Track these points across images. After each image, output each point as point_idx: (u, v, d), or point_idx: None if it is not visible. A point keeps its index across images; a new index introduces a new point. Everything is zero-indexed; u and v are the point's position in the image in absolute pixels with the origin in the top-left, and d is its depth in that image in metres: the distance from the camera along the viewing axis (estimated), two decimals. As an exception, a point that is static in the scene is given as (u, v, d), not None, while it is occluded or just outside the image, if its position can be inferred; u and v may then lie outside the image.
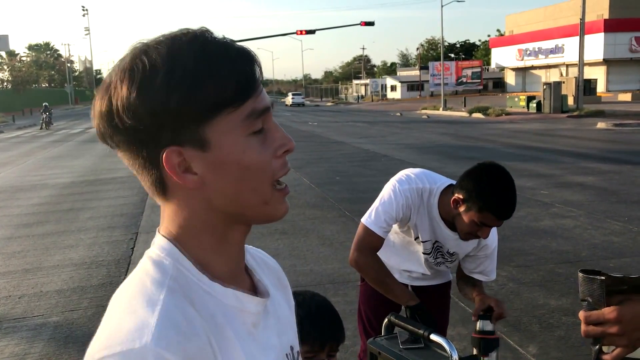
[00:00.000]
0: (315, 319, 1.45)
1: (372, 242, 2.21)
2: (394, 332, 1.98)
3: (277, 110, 49.52)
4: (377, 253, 2.24)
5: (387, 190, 2.23)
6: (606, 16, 47.95)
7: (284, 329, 0.88)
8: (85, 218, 8.48)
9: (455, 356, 1.65)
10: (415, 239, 2.32)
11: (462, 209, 2.05)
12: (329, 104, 67.52)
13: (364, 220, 2.23)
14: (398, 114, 36.50)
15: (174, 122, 0.70)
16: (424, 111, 37.03)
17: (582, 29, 28.39)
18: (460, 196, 2.04)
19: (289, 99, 63.50)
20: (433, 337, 1.72)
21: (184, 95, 0.69)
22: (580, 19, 28.26)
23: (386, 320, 1.96)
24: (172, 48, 0.71)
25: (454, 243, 2.26)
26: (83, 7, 67.91)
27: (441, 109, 36.58)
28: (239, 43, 0.75)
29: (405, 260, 2.41)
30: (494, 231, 2.28)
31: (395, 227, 2.30)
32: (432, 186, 2.20)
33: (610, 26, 46.59)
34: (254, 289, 0.84)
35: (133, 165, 0.75)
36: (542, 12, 57.40)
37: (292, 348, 0.89)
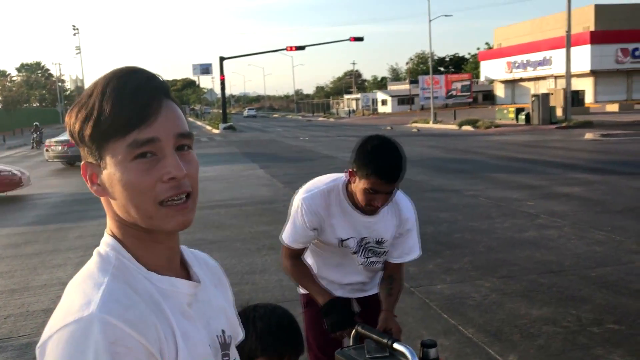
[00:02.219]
0: (274, 331, 1.51)
1: (292, 251, 2.38)
2: (362, 342, 2.03)
3: (269, 125, 49.56)
4: (325, 265, 2.42)
5: (294, 204, 2.33)
6: (592, 28, 48.56)
7: (216, 314, 1.02)
8: (74, 237, 8.48)
9: (416, 363, 1.71)
10: (339, 245, 2.36)
11: (355, 181, 2.15)
12: (321, 118, 67.75)
13: (281, 236, 2.37)
14: (388, 127, 36.67)
15: (86, 142, 0.90)
16: (414, 125, 37.24)
17: (569, 41, 28.74)
18: (351, 169, 2.15)
19: (245, 112, 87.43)
20: (396, 345, 1.77)
21: (89, 124, 0.89)
22: (567, 32, 28.62)
23: (354, 331, 2.01)
24: (95, 83, 0.91)
25: (375, 227, 2.32)
26: (74, 26, 68.02)
27: (431, 122, 36.79)
28: (159, 78, 0.93)
29: (344, 273, 2.46)
30: (408, 204, 2.38)
31: (320, 241, 2.38)
32: (336, 182, 2.30)
33: (597, 38, 47.18)
34: (189, 279, 1.00)
35: None
36: (530, 25, 58.05)
37: (223, 332, 1.03)
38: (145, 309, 0.86)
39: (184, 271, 1.01)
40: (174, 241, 0.97)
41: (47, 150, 20.12)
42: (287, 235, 2.35)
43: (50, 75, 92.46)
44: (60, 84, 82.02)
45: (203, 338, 0.95)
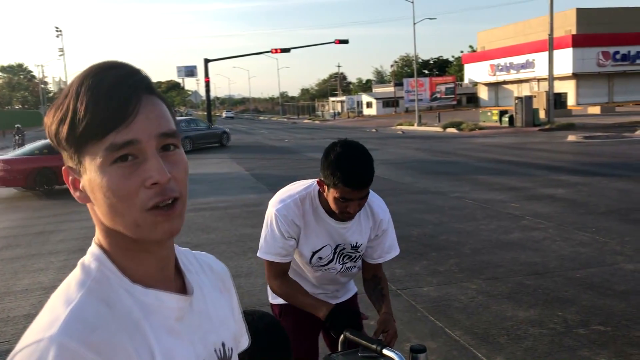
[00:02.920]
0: (262, 339, 1.48)
1: (276, 268, 2.24)
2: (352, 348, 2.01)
3: (255, 127, 49.35)
4: (298, 275, 2.31)
5: (268, 216, 2.23)
6: (574, 32, 49.13)
7: (216, 326, 0.95)
8: (57, 241, 8.37)
9: (406, 368, 1.68)
10: (310, 259, 2.29)
11: (325, 190, 2.09)
12: (306, 121, 67.74)
13: (259, 254, 2.25)
14: (373, 130, 36.77)
15: (65, 146, 0.83)
16: (399, 127, 37.36)
17: (551, 45, 29.03)
18: (319, 179, 2.11)
19: (224, 114, 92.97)
20: (385, 351, 1.75)
21: (65, 127, 0.81)
22: (549, 35, 28.91)
23: (342, 336, 1.99)
24: (72, 82, 0.83)
25: (350, 233, 2.26)
26: (57, 27, 67.28)
27: (416, 124, 36.94)
28: (140, 73, 0.85)
29: (319, 283, 2.40)
30: (381, 204, 2.33)
31: (296, 255, 2.31)
32: (308, 190, 2.23)
33: (578, 41, 47.73)
34: (184, 291, 0.92)
35: None
36: (513, 28, 58.57)
37: (223, 344, 0.95)
38: (116, 330, 0.79)
39: (179, 280, 0.93)
40: (167, 249, 0.89)
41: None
42: (267, 250, 2.21)
43: (33, 77, 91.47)
44: (43, 85, 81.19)
45: (190, 355, 0.87)
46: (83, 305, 0.79)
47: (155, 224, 0.82)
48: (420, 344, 1.88)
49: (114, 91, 0.80)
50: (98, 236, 0.88)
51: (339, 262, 2.32)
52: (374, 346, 1.79)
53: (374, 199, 2.32)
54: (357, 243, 2.30)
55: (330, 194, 2.07)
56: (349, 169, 1.99)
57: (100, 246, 0.87)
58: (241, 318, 1.09)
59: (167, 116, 0.85)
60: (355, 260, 2.36)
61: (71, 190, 0.86)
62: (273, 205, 2.23)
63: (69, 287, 0.83)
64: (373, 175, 2.05)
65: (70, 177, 0.86)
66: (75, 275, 0.85)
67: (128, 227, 0.82)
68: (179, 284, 0.92)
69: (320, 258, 2.29)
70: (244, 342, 1.11)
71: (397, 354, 1.72)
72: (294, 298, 2.25)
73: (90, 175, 0.82)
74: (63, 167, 0.87)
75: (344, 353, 1.91)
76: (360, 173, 2.00)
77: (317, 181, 2.14)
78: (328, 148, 2.08)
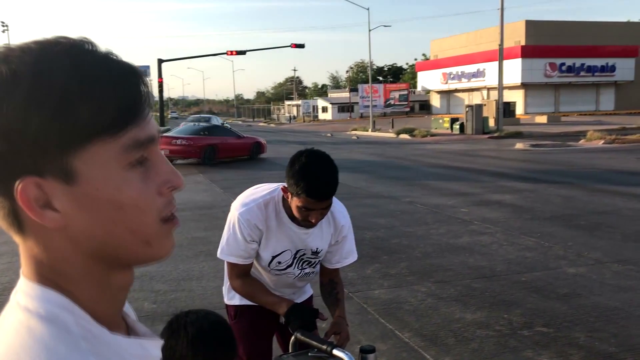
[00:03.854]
0: (206, 336, 1.49)
1: (238, 269, 2.27)
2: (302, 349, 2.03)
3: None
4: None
5: (231, 219, 2.25)
6: (523, 43, 50.69)
7: None
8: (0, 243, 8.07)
9: (355, 368, 1.71)
10: (269, 263, 2.30)
11: (289, 198, 2.12)
12: (262, 124, 67.50)
13: (220, 255, 2.26)
14: (329, 134, 36.96)
15: (34, 147, 0.57)
16: (353, 132, 37.68)
17: (501, 55, 29.89)
18: (284, 187, 2.13)
19: (169, 115, 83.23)
20: (335, 352, 1.77)
21: (48, 118, 0.56)
22: (499, 45, 29.75)
23: (293, 337, 2.00)
24: (41, 58, 0.58)
25: (311, 239, 2.28)
26: (3, 22, 64.94)
27: (370, 130, 37.33)
28: (133, 64, 0.64)
29: (276, 286, 2.41)
30: (342, 210, 2.37)
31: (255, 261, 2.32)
32: (272, 195, 2.24)
33: (527, 52, 49.27)
34: (131, 332, 0.72)
35: None
36: (465, 37, 59.97)
37: None
38: None
39: (122, 321, 0.72)
40: (131, 284, 0.70)
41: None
42: (229, 252, 2.23)
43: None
44: (-14, 82, 78.28)
45: None
46: None
47: (166, 239, 0.66)
48: (370, 344, 1.91)
49: (129, 74, 0.62)
50: (45, 272, 0.62)
51: (297, 267, 2.34)
52: (324, 347, 1.82)
53: (336, 205, 2.34)
54: (317, 249, 2.32)
55: (294, 202, 2.08)
56: (312, 179, 2.00)
57: (52, 286, 0.62)
58: None
59: None
60: (314, 265, 2.39)
61: (32, 213, 0.59)
62: (236, 208, 2.23)
63: (59, 357, 0.56)
64: (337, 186, 2.07)
65: (36, 195, 0.58)
66: (49, 336, 0.57)
67: (136, 246, 0.64)
68: (125, 327, 0.71)
69: (280, 262, 2.30)
70: None
71: (346, 354, 1.75)
72: (255, 297, 2.27)
73: (91, 185, 0.59)
74: (21, 182, 0.58)
75: (295, 354, 1.93)
76: (324, 184, 2.02)
77: (282, 188, 2.16)
78: (294, 157, 2.09)
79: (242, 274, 2.28)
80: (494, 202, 10.26)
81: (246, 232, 2.19)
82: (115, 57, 0.63)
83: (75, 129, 0.58)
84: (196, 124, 23.86)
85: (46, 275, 0.62)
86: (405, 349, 4.23)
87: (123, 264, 0.65)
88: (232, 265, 2.27)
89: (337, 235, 2.36)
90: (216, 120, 31.90)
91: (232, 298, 2.44)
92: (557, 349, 4.16)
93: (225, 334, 1.55)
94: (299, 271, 2.36)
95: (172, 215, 0.66)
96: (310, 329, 2.09)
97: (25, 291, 0.61)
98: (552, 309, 4.96)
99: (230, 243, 2.22)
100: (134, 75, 0.62)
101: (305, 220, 2.12)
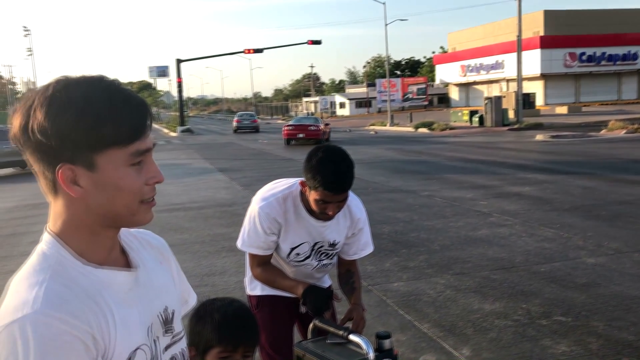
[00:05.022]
0: (230, 322, 1.59)
1: (258, 259, 2.38)
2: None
3: (228, 128, 48.61)
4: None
5: (251, 212, 2.35)
6: (542, 33, 50.09)
7: (158, 293, 1.10)
8: (28, 242, 8.29)
9: (371, 354, 1.79)
10: (288, 255, 2.39)
11: (307, 191, 2.22)
12: (280, 121, 67.70)
13: (241, 246, 2.38)
14: (347, 130, 36.97)
15: (74, 146, 0.94)
16: (371, 127, 37.65)
17: (520, 46, 29.63)
18: (302, 181, 2.24)
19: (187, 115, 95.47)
20: (351, 337, 1.86)
21: (87, 130, 0.93)
22: (518, 36, 29.49)
23: (311, 324, 2.09)
24: (88, 90, 0.94)
25: (329, 231, 2.38)
26: (25, 27, 66.05)
27: (388, 124, 37.27)
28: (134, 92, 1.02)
29: (295, 276, 2.46)
30: (358, 204, 2.46)
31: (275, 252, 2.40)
32: (291, 189, 2.34)
33: (546, 43, 48.67)
34: (128, 266, 1.08)
35: (35, 167, 0.97)
36: (482, 29, 59.44)
37: (166, 308, 1.11)
38: (79, 304, 0.92)
39: (124, 257, 1.09)
40: (117, 235, 1.06)
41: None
42: (249, 244, 2.34)
43: (1, 77, 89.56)
44: (11, 86, 79.55)
45: (140, 321, 1.02)
46: (52, 284, 0.92)
47: (147, 212, 1.03)
48: (386, 330, 1.99)
49: (140, 106, 0.98)
50: (57, 226, 1.00)
51: (315, 259, 2.43)
52: (341, 332, 1.90)
53: (352, 199, 2.42)
54: (334, 241, 2.41)
55: (311, 196, 2.18)
56: (329, 173, 2.10)
57: (57, 233, 0.99)
58: (184, 281, 1.28)
59: None
60: (331, 257, 2.48)
61: (65, 187, 0.95)
62: (256, 202, 2.34)
63: (30, 273, 0.95)
64: (353, 180, 2.16)
65: (69, 176, 0.95)
66: (33, 262, 0.97)
67: (126, 216, 1.00)
68: (124, 261, 1.08)
69: (298, 254, 2.40)
70: (192, 299, 1.32)
71: (362, 338, 1.83)
72: (275, 282, 2.37)
73: (105, 174, 0.96)
74: (60, 167, 0.94)
75: (313, 340, 2.02)
76: (340, 178, 2.11)
77: (300, 182, 2.26)
78: (311, 152, 2.19)
79: (262, 263, 2.39)
80: (513, 194, 10.24)
81: (266, 225, 2.29)
82: (133, 93, 0.99)
83: (101, 139, 0.94)
84: (308, 115, 36.23)
85: (59, 227, 1.00)
86: (424, 339, 4.31)
87: (117, 225, 1.03)
88: (252, 256, 2.39)
89: (353, 228, 2.45)
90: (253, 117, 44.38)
91: (254, 289, 2.54)
92: (575, 338, 4.19)
93: (248, 320, 1.65)
94: (317, 262, 2.45)
95: (151, 199, 1.02)
96: (326, 309, 2.18)
97: (42, 237, 1.01)
98: (571, 298, 4.99)
99: (251, 235, 2.33)
100: (144, 106, 0.99)
101: (323, 213, 2.20)
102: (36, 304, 0.88)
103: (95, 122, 0.92)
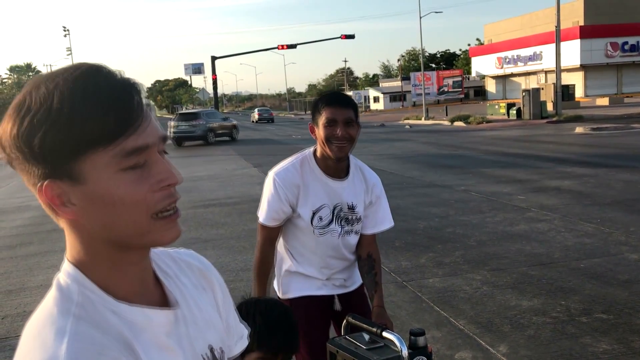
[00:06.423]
0: (272, 328, 1.57)
1: (266, 233, 2.44)
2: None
3: (261, 123, 49.30)
4: (302, 256, 2.46)
5: (267, 182, 2.44)
6: (581, 23, 48.84)
7: (201, 332, 0.91)
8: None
9: (405, 351, 1.78)
10: (311, 219, 2.40)
11: (316, 131, 2.34)
12: (313, 116, 67.80)
13: (259, 217, 2.46)
14: (381, 124, 36.80)
15: (51, 156, 0.73)
16: (406, 121, 37.37)
17: (558, 36, 28.92)
18: (310, 124, 2.39)
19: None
20: (385, 334, 1.84)
21: (58, 132, 0.72)
22: (556, 27, 28.80)
23: (345, 321, 2.09)
24: (58, 85, 0.74)
25: (346, 192, 2.42)
26: (64, 27, 67.68)
27: (423, 118, 36.93)
28: (132, 79, 0.79)
29: (323, 254, 2.45)
30: (371, 170, 2.53)
31: (293, 222, 2.43)
32: (304, 154, 2.44)
33: (586, 33, 47.43)
34: (165, 300, 0.88)
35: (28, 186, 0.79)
36: (519, 20, 58.29)
37: (211, 349, 0.92)
38: (113, 353, 0.74)
39: (158, 288, 0.89)
40: (148, 260, 0.86)
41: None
42: (262, 213, 2.42)
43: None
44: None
45: None
46: (78, 337, 0.73)
47: (167, 229, 0.80)
48: (420, 327, 1.97)
49: (120, 92, 0.76)
50: (74, 253, 0.81)
51: (337, 224, 2.45)
52: (374, 329, 1.89)
53: (364, 165, 2.55)
54: (352, 203, 2.44)
55: (320, 127, 2.29)
56: (330, 95, 2.38)
57: (77, 264, 0.80)
58: (231, 308, 1.05)
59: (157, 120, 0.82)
60: (352, 223, 2.47)
61: (56, 208, 0.77)
62: (273, 172, 2.44)
63: (52, 316, 0.76)
64: (354, 102, 2.38)
65: (55, 193, 0.76)
66: (53, 299, 0.79)
67: (135, 236, 0.79)
68: (159, 293, 0.88)
69: (321, 218, 2.42)
70: (243, 332, 1.10)
71: (396, 335, 1.82)
72: (259, 275, 2.45)
73: (91, 187, 0.75)
74: (41, 184, 0.75)
75: (346, 337, 2.02)
76: (341, 96, 2.38)
77: (309, 126, 2.39)
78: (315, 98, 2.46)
79: (268, 241, 2.43)
80: (552, 188, 10.03)
81: (282, 191, 2.36)
82: (115, 79, 0.76)
83: (76, 141, 0.73)
84: None
85: (75, 256, 0.81)
86: (460, 335, 4.26)
87: (132, 246, 0.80)
88: (261, 228, 2.43)
89: (370, 194, 2.48)
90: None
91: (286, 292, 2.52)
92: (617, 336, 4.08)
93: (290, 327, 1.63)
94: (340, 228, 2.45)
95: (171, 210, 0.80)
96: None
97: (62, 267, 0.82)
98: (612, 295, 4.86)
99: (265, 204, 2.40)
100: (129, 89, 0.76)
101: (332, 138, 2.26)
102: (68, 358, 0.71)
103: (65, 122, 0.72)
